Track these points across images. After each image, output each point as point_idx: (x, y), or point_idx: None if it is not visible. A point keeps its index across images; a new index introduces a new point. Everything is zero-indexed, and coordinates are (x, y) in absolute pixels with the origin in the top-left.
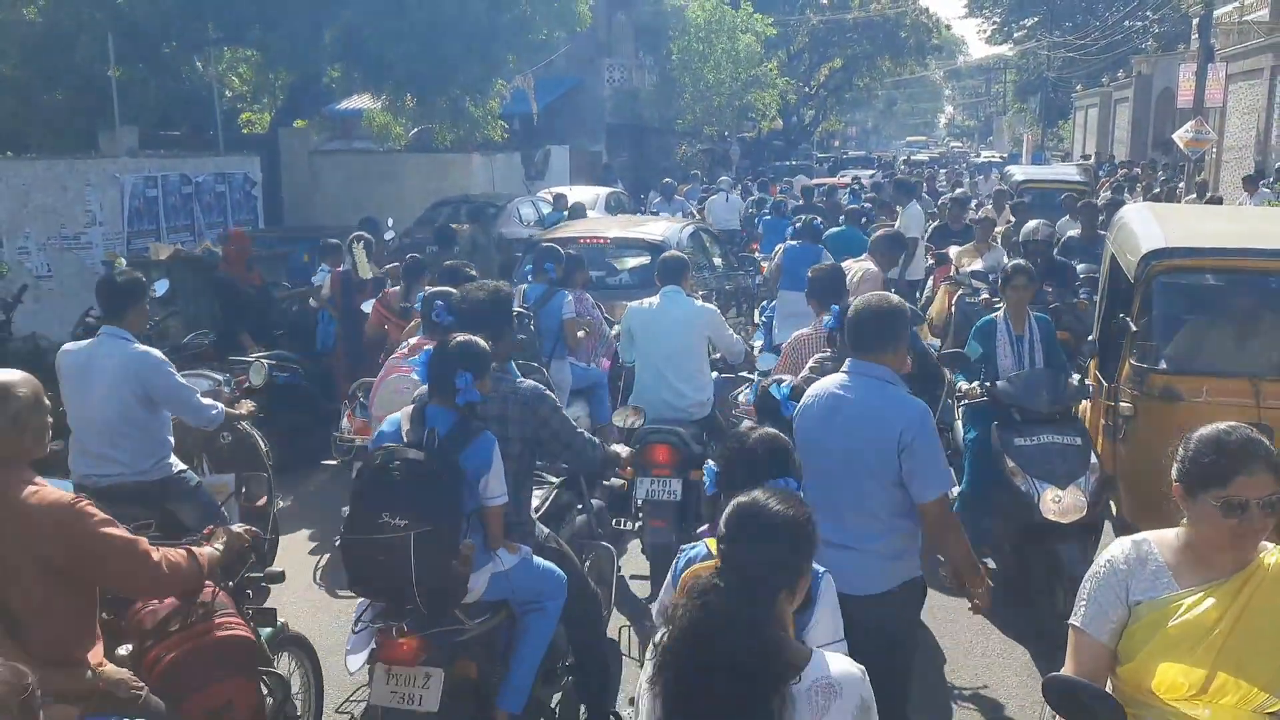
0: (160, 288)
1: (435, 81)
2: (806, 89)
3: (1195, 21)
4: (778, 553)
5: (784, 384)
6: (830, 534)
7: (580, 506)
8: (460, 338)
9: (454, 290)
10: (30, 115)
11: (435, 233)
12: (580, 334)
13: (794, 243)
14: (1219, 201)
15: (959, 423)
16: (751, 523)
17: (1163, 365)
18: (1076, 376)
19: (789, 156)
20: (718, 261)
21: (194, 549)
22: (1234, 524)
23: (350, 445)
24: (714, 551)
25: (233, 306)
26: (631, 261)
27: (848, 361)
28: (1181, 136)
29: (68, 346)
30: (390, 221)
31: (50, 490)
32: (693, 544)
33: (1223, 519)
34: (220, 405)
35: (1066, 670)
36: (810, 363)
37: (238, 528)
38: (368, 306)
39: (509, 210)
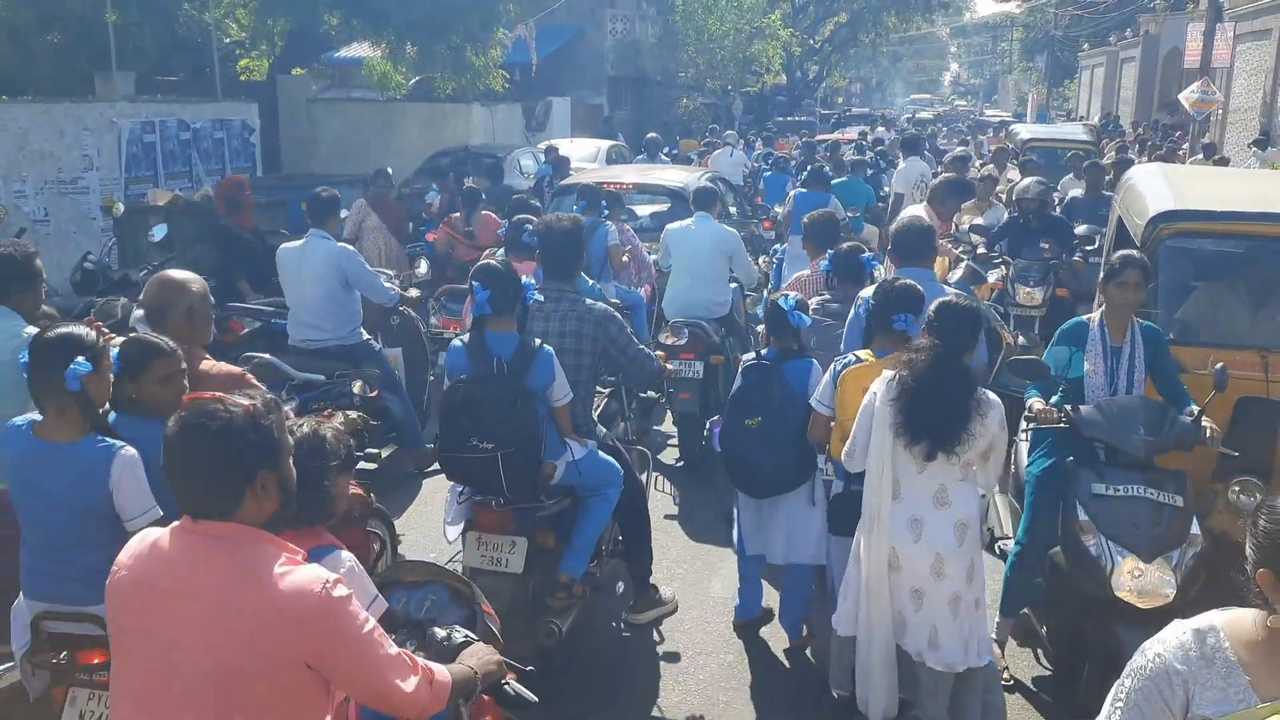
0: (158, 233)
1: (436, 29)
2: (811, 42)
3: None
4: (964, 328)
5: (789, 297)
6: None
7: (621, 414)
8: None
9: (533, 218)
10: (26, 59)
11: (488, 169)
12: (624, 259)
13: (803, 190)
14: (1225, 162)
15: (1023, 445)
16: (951, 310)
17: (1170, 336)
18: (1193, 411)
19: (792, 112)
20: (732, 210)
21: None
22: None
23: (439, 334)
24: (864, 359)
25: (231, 252)
26: (651, 207)
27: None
28: (1187, 97)
29: (286, 245)
30: (390, 170)
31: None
32: (843, 356)
33: None
34: (395, 289)
35: None
36: (812, 304)
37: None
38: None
39: (510, 161)
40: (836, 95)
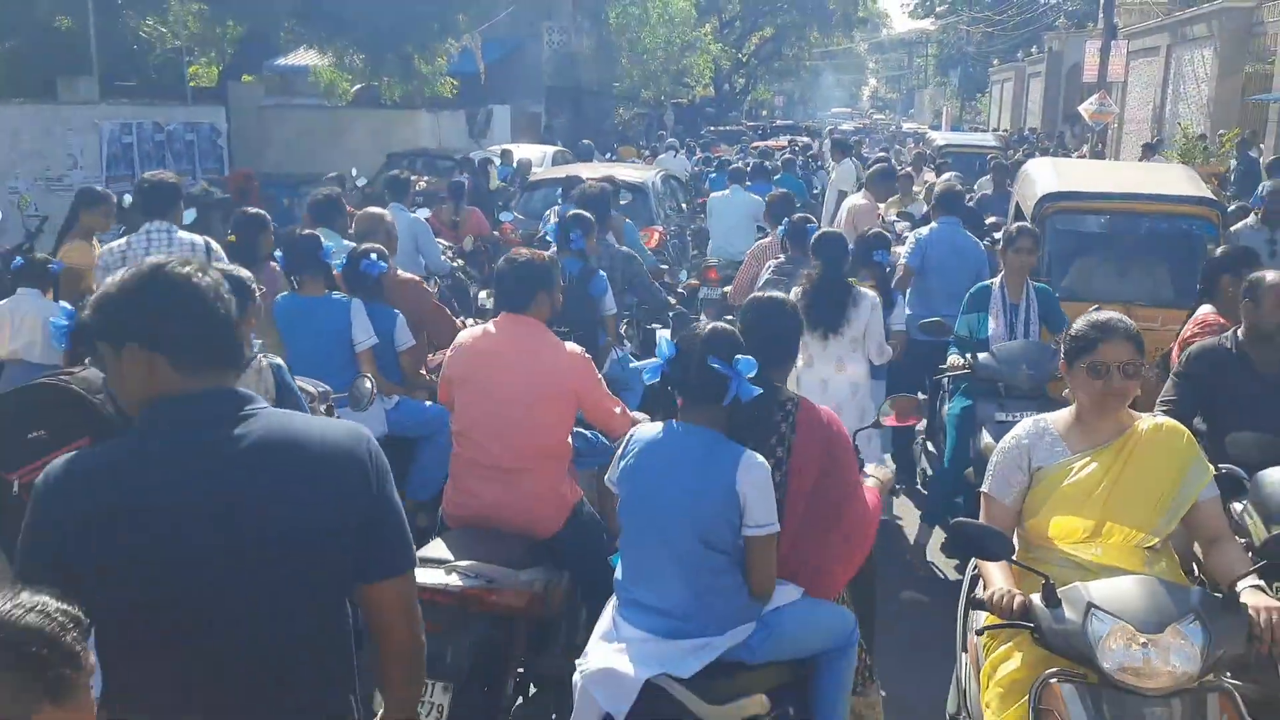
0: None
1: (390, 38)
2: (739, 55)
3: (1102, 0)
4: (838, 250)
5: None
6: None
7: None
8: (574, 212)
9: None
10: None
11: (474, 169)
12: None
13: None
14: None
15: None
16: (827, 240)
17: (1057, 294)
18: None
19: (720, 123)
20: (684, 206)
21: None
22: (1100, 385)
23: None
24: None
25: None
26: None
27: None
28: (1086, 108)
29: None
30: (354, 171)
31: None
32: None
33: (1090, 380)
34: (446, 260)
35: None
36: (770, 262)
37: None
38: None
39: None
40: (761, 108)
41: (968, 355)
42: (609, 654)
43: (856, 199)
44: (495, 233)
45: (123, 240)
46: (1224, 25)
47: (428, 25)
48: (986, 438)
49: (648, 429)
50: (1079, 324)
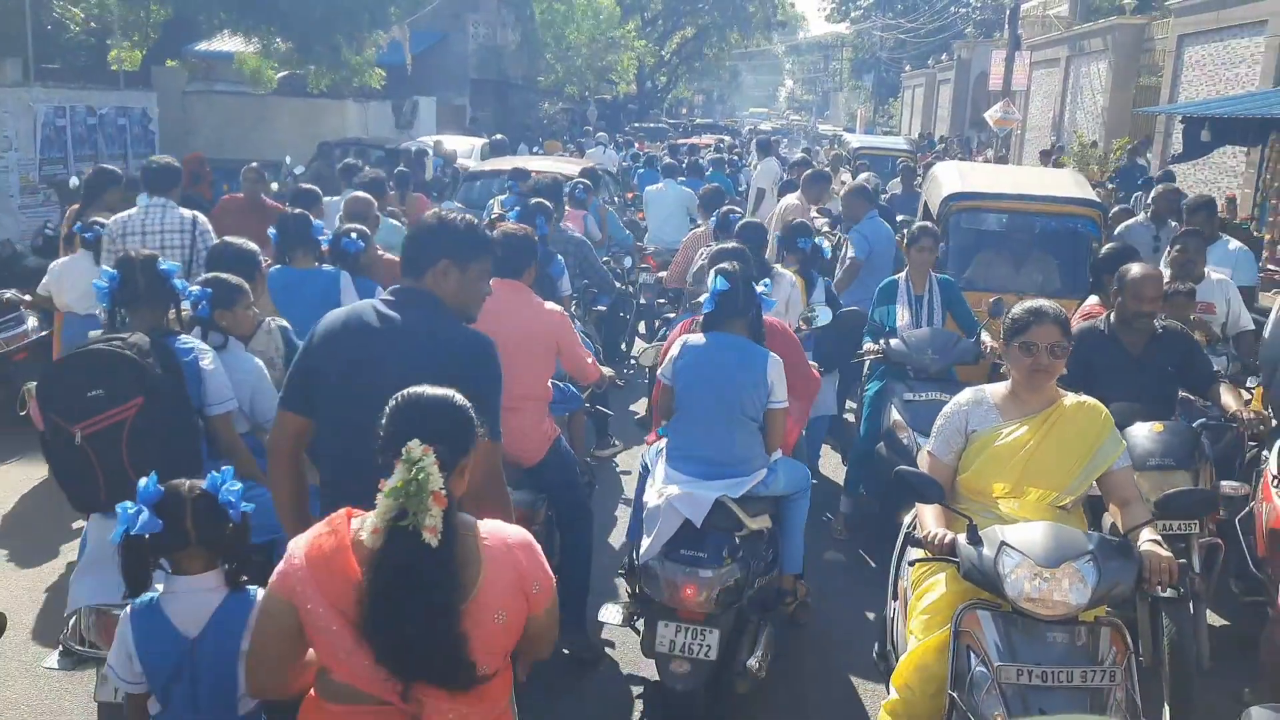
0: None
1: (321, 28)
2: (661, 53)
3: (1008, 12)
4: (757, 236)
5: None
6: None
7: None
8: (536, 200)
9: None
10: None
11: (410, 157)
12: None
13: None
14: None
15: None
16: (748, 227)
17: (960, 285)
18: (979, 335)
19: (641, 120)
20: (615, 199)
21: None
22: (1029, 361)
23: None
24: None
25: None
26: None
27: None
28: (991, 115)
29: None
30: (289, 159)
31: None
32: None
33: (1022, 357)
34: None
35: None
36: (703, 250)
37: None
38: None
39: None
40: (681, 106)
41: (880, 341)
42: (680, 487)
43: (790, 199)
44: None
45: (130, 211)
46: (1118, 40)
47: (358, 15)
48: (895, 415)
49: (694, 338)
50: (1017, 309)
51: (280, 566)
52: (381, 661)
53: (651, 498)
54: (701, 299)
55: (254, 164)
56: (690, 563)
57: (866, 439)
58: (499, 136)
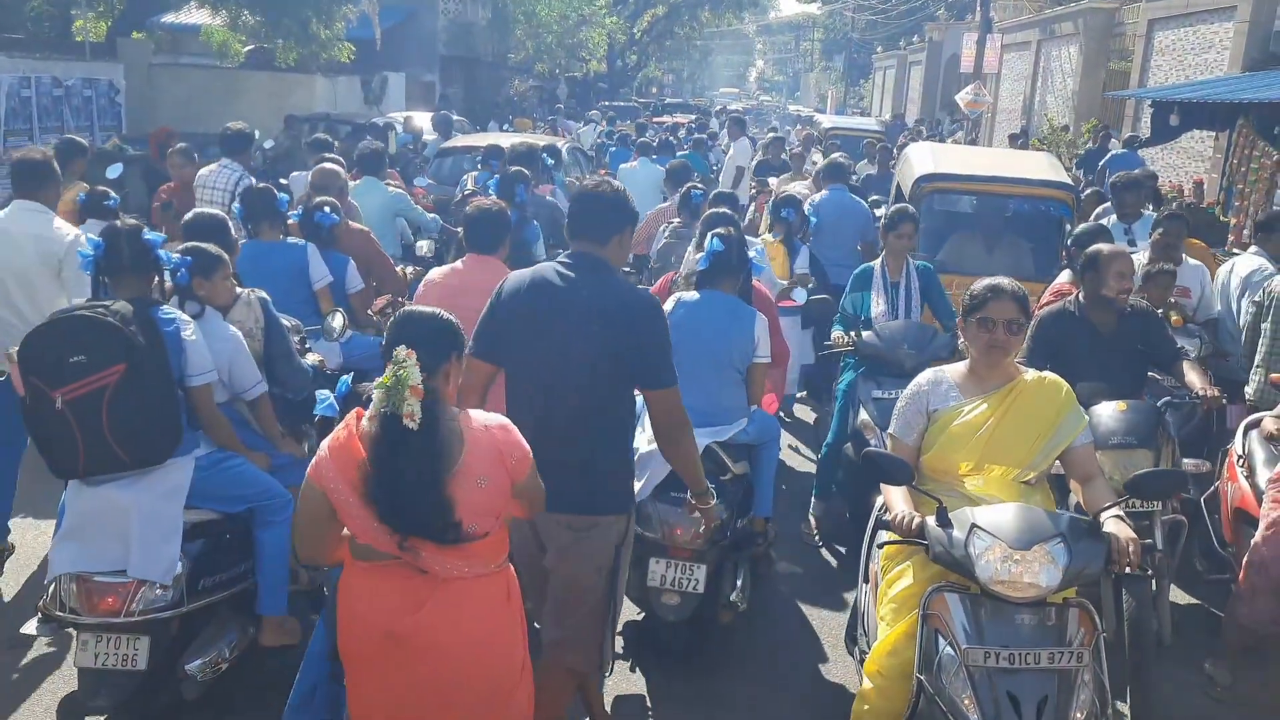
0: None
1: (290, 1)
2: (632, 31)
3: None
4: (730, 205)
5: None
6: None
7: None
8: (515, 169)
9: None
10: None
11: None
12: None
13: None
14: None
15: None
16: (720, 197)
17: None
18: (949, 334)
19: (612, 98)
20: (587, 175)
21: None
22: (987, 337)
23: None
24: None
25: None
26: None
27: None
28: (963, 98)
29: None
30: (257, 134)
31: None
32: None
33: (979, 332)
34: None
35: None
36: (664, 225)
37: None
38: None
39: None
40: (652, 85)
41: (851, 333)
42: None
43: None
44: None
45: (210, 167)
46: (1088, 24)
47: None
48: (864, 415)
49: (689, 295)
50: (976, 286)
51: (313, 459)
52: (382, 520)
53: (642, 444)
54: (688, 270)
55: (181, 145)
56: (680, 504)
57: (836, 439)
58: (444, 113)
